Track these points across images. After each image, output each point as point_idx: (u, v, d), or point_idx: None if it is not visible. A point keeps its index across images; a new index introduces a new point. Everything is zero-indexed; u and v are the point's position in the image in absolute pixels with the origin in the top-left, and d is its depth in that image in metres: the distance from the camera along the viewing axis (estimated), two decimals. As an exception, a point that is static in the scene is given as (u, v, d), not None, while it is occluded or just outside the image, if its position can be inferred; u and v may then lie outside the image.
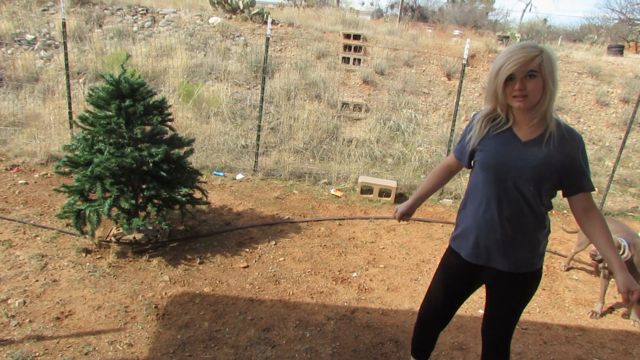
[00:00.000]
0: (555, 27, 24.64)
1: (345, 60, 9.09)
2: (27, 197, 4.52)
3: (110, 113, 3.49)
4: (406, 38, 10.38)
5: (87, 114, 3.52)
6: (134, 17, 9.08)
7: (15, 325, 2.70)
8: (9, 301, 2.90)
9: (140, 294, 3.18)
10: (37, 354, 2.50)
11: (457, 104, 5.90)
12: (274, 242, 4.18)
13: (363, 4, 26.46)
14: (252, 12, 9.70)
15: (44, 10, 8.78)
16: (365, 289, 3.60)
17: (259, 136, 6.11)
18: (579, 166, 1.74)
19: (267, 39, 5.73)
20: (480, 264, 1.91)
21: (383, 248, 4.35)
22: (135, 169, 3.46)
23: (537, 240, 1.85)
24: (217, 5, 9.99)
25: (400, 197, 5.76)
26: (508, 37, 13.64)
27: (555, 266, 4.40)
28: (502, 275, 1.89)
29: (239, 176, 5.85)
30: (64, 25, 5.50)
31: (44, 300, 2.97)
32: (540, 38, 18.07)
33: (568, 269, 4.35)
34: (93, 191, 3.45)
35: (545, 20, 25.59)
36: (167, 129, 3.83)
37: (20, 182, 4.90)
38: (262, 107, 6.05)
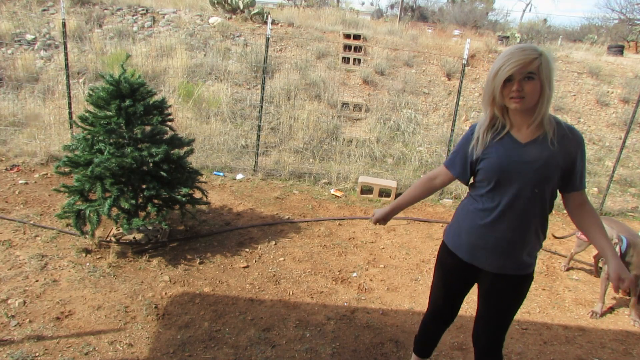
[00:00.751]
0: (555, 27, 24.64)
1: (345, 60, 9.09)
2: (27, 197, 4.52)
3: (110, 113, 3.49)
4: (406, 38, 10.38)
5: (87, 114, 3.52)
6: (134, 17, 9.08)
7: (15, 325, 2.70)
8: (9, 301, 2.90)
9: (140, 294, 3.18)
10: (37, 354, 2.50)
11: (457, 104, 5.90)
12: (274, 242, 4.18)
13: (363, 4, 26.46)
14: (252, 12, 9.70)
15: (44, 10, 8.78)
16: (365, 289, 3.60)
17: (259, 136, 6.12)
18: (579, 165, 1.75)
19: (267, 39, 5.73)
20: (478, 266, 1.91)
21: (383, 248, 4.35)
22: (135, 169, 3.46)
23: (536, 244, 1.85)
24: (217, 5, 9.99)
25: (400, 197, 5.75)
26: (508, 37, 13.64)
27: (555, 266, 4.40)
28: (500, 277, 1.89)
29: (239, 176, 5.85)
30: (64, 25, 5.50)
31: (44, 300, 2.97)
32: (540, 38, 18.07)
33: (568, 269, 4.35)
34: (93, 191, 3.45)
35: (545, 20, 25.59)
36: (167, 129, 3.83)
37: (20, 182, 4.90)
38: (262, 107, 6.05)
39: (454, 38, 12.20)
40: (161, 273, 3.47)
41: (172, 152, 3.67)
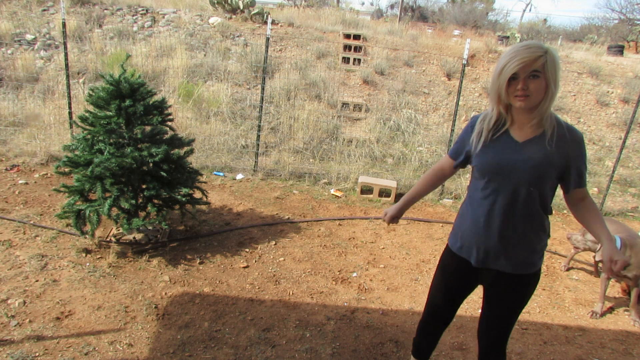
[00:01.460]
0: (555, 27, 24.65)
1: (345, 60, 9.09)
2: (27, 197, 4.52)
3: (110, 113, 3.49)
4: (406, 38, 10.38)
5: (87, 114, 3.52)
6: (134, 17, 9.08)
7: (15, 325, 2.70)
8: (9, 301, 2.90)
9: (140, 294, 3.18)
10: (37, 354, 2.50)
11: (457, 104, 5.90)
12: (274, 242, 4.18)
13: (363, 4, 26.48)
14: (252, 12, 9.70)
15: (44, 10, 8.78)
16: (365, 289, 3.60)
17: (259, 136, 6.12)
18: (577, 164, 1.75)
19: (267, 39, 5.73)
20: (479, 266, 1.91)
21: (383, 248, 4.35)
22: (135, 169, 3.46)
23: (537, 242, 1.85)
24: (217, 5, 9.99)
25: (400, 197, 5.75)
26: (508, 37, 13.64)
27: (555, 266, 4.40)
28: (502, 276, 1.89)
29: (239, 176, 5.85)
30: (64, 25, 5.50)
31: (44, 300, 2.97)
32: (540, 38, 18.07)
33: (568, 269, 4.35)
34: (93, 191, 3.45)
35: (545, 20, 25.60)
36: (167, 129, 3.83)
37: (20, 182, 4.90)
38: (262, 107, 6.05)
39: (454, 38, 12.19)
40: (161, 273, 3.47)
41: (172, 152, 3.67)
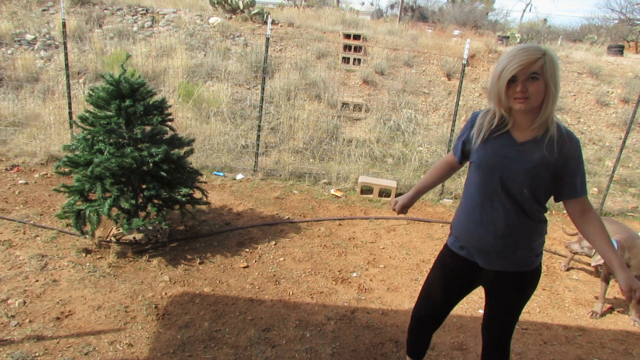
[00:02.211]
0: (555, 27, 24.64)
1: (345, 60, 9.09)
2: (27, 197, 4.52)
3: (110, 113, 3.49)
4: (406, 38, 10.38)
5: (87, 114, 3.52)
6: (134, 17, 9.08)
7: (15, 325, 2.70)
8: (9, 301, 2.90)
9: (140, 294, 3.18)
10: (37, 354, 2.50)
11: (457, 104, 5.90)
12: (274, 242, 4.18)
13: (363, 4, 26.47)
14: (252, 12, 9.70)
15: (44, 10, 8.78)
16: (365, 289, 3.60)
17: (259, 136, 6.12)
18: (575, 170, 1.74)
19: (267, 39, 5.73)
20: (479, 264, 1.91)
21: (383, 248, 4.35)
22: (135, 169, 3.46)
23: (532, 242, 1.84)
24: (217, 5, 9.99)
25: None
26: (508, 37, 13.64)
27: (555, 266, 4.41)
28: (501, 275, 1.89)
29: (239, 176, 5.85)
30: (64, 25, 5.50)
31: (44, 300, 2.97)
32: (540, 38, 18.07)
33: (568, 269, 4.35)
34: (93, 191, 3.45)
35: (545, 20, 25.59)
36: (167, 129, 3.83)
37: (20, 182, 4.90)
38: (262, 107, 6.05)
39: (454, 38, 12.19)
40: (161, 273, 3.47)
41: (172, 152, 3.67)
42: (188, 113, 7.03)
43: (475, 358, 2.88)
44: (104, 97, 3.47)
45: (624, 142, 6.12)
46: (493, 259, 1.86)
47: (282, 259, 3.92)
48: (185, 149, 3.91)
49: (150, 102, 3.66)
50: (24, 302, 2.91)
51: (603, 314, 3.62)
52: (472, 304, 3.48)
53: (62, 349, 2.57)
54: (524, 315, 3.47)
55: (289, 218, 4.78)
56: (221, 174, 5.86)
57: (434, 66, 9.30)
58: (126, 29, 8.67)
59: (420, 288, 2.21)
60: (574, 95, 9.23)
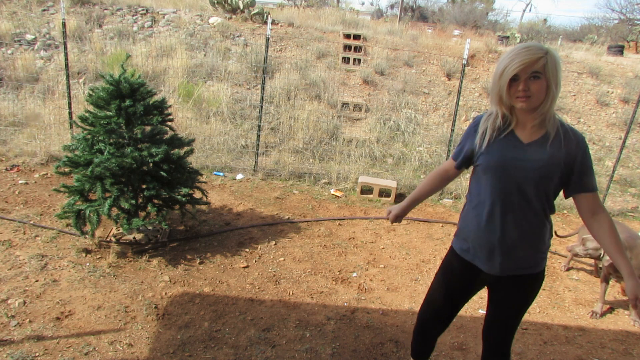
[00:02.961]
0: (555, 27, 24.65)
1: (345, 60, 9.09)
2: (27, 197, 4.52)
3: (110, 113, 3.49)
4: (406, 38, 10.38)
5: (87, 114, 3.52)
6: (134, 17, 9.08)
7: (15, 325, 2.70)
8: (9, 301, 2.90)
9: (140, 294, 3.18)
10: (37, 354, 2.50)
11: (457, 104, 5.90)
12: (274, 242, 4.18)
13: (363, 4, 26.48)
14: (252, 12, 9.70)
15: (44, 10, 8.78)
16: (365, 289, 3.60)
17: (259, 136, 6.12)
18: (582, 165, 1.75)
19: (267, 39, 5.73)
20: (484, 269, 1.91)
21: (383, 248, 4.35)
22: (135, 169, 3.46)
23: (540, 243, 1.84)
24: (217, 5, 9.99)
25: (400, 197, 5.76)
26: (508, 37, 13.64)
27: (555, 266, 4.40)
28: (506, 277, 1.88)
29: (239, 176, 5.85)
30: (64, 25, 5.50)
31: (44, 300, 2.97)
32: (540, 38, 18.07)
33: (568, 269, 4.35)
34: (93, 191, 3.45)
35: (545, 20, 25.60)
36: (167, 129, 3.83)
37: (20, 182, 4.90)
38: (262, 107, 6.05)
39: (454, 38, 12.19)
40: (161, 273, 3.47)
41: (172, 152, 3.67)
42: (188, 113, 7.03)
43: (475, 358, 2.88)
44: (104, 97, 3.47)
45: (624, 142, 6.12)
46: (499, 260, 1.84)
47: (282, 259, 3.92)
48: (185, 149, 3.91)
49: (150, 102, 3.66)
50: (24, 302, 2.91)
51: (603, 314, 3.62)
52: (472, 304, 3.48)
53: (62, 349, 2.57)
54: (524, 315, 3.47)
55: (289, 218, 4.78)
56: (221, 174, 5.86)
57: (434, 66, 9.30)
58: (126, 29, 8.67)
59: (422, 289, 2.21)
60: (574, 95, 9.23)
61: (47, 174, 5.20)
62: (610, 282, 3.67)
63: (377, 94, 8.44)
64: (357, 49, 9.33)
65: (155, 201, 3.71)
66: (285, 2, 18.08)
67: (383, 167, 6.69)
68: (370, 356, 2.80)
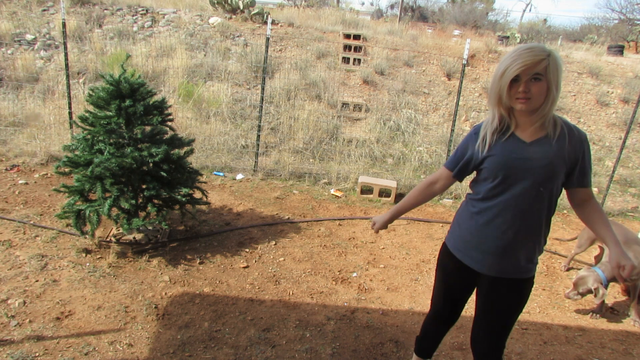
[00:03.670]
0: (555, 27, 24.65)
1: (345, 60, 9.09)
2: (27, 197, 4.52)
3: (110, 113, 3.49)
4: (406, 38, 10.38)
5: (87, 114, 3.52)
6: (134, 17, 9.08)
7: (15, 325, 2.70)
8: (9, 301, 2.90)
9: (140, 294, 3.18)
10: (37, 354, 2.50)
11: (457, 104, 5.90)
12: (274, 242, 4.18)
13: (363, 4, 26.48)
14: (252, 12, 9.70)
15: (44, 10, 8.78)
16: (365, 289, 3.60)
17: (259, 136, 6.12)
18: (582, 162, 1.75)
19: (267, 39, 5.73)
20: (476, 269, 1.90)
21: (383, 248, 4.35)
22: (135, 169, 3.46)
23: (535, 247, 1.83)
24: (217, 6, 9.99)
25: (400, 197, 5.76)
26: (508, 37, 13.64)
27: (555, 266, 4.40)
28: (498, 280, 1.87)
29: (239, 176, 5.85)
30: (64, 25, 5.50)
31: (44, 300, 2.97)
32: (540, 38, 18.07)
33: (568, 269, 4.35)
34: (93, 191, 3.45)
35: (545, 20, 25.60)
36: (167, 129, 3.83)
37: (20, 182, 4.90)
38: (262, 107, 6.05)
39: (454, 38, 12.19)
40: (161, 273, 3.47)
41: (172, 152, 3.67)
42: (188, 113, 7.03)
43: (475, 358, 2.88)
44: (104, 97, 3.47)
45: (624, 142, 6.12)
46: (493, 261, 1.84)
47: (282, 259, 3.92)
48: (185, 149, 3.91)
49: (150, 102, 3.66)
50: (24, 302, 2.91)
51: (603, 314, 3.62)
52: (472, 304, 3.48)
53: (62, 349, 2.57)
54: (524, 315, 3.47)
55: (289, 218, 4.78)
56: (221, 174, 5.86)
57: (434, 66, 9.30)
58: (126, 29, 8.67)
59: (422, 289, 2.22)
60: (574, 95, 9.23)
61: (47, 174, 5.20)
62: (610, 283, 3.65)
63: (377, 94, 8.44)
64: (357, 49, 9.33)
65: (155, 201, 3.71)
66: (285, 2, 18.08)
67: (383, 167, 6.69)
68: (370, 356, 2.80)
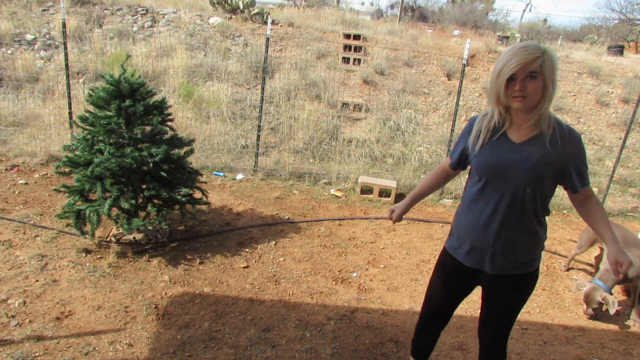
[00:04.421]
0: (555, 27, 24.65)
1: (345, 60, 9.09)
2: (27, 197, 4.52)
3: (110, 113, 3.49)
4: (406, 38, 10.38)
5: (87, 114, 3.52)
6: (134, 17, 9.08)
7: (15, 325, 2.70)
8: (9, 301, 2.90)
9: (140, 294, 3.18)
10: (37, 354, 2.50)
11: (457, 104, 5.90)
12: (274, 242, 4.18)
13: (363, 4, 26.48)
14: (252, 12, 9.70)
15: (44, 10, 8.78)
16: (365, 289, 3.60)
17: (259, 136, 6.12)
18: (579, 165, 1.75)
19: (267, 39, 5.73)
20: (476, 268, 1.91)
21: (383, 248, 4.35)
22: (135, 169, 3.46)
23: (534, 244, 1.85)
24: (217, 6, 9.99)
25: (400, 197, 5.76)
26: (508, 37, 13.64)
27: (555, 266, 4.40)
28: (499, 277, 1.89)
29: (239, 176, 5.85)
30: (64, 25, 5.50)
31: (44, 300, 2.97)
32: (540, 38, 18.07)
33: (568, 269, 4.35)
34: (93, 191, 3.45)
35: (545, 20, 25.61)
36: (167, 129, 3.83)
37: (20, 182, 4.90)
38: (262, 107, 6.05)
39: (454, 38, 12.19)
40: (161, 273, 3.47)
41: (172, 152, 3.67)
42: (188, 113, 7.03)
43: (475, 358, 2.88)
44: (104, 97, 3.47)
45: (624, 142, 6.12)
46: (492, 260, 1.85)
47: (282, 259, 3.92)
48: (185, 149, 3.91)
49: (150, 102, 3.66)
50: (24, 302, 2.91)
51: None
52: (472, 304, 3.48)
53: (62, 349, 2.57)
54: (524, 316, 3.47)
55: (289, 218, 4.78)
56: (221, 174, 5.86)
57: (434, 66, 9.30)
58: (126, 29, 8.67)
59: (422, 289, 2.22)
60: (574, 95, 9.23)
61: (47, 174, 5.20)
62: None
63: (377, 94, 8.44)
64: (357, 49, 9.33)
65: (155, 201, 3.71)
66: (285, 2, 18.08)
67: (383, 167, 6.69)
68: (370, 356, 2.81)
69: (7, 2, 8.67)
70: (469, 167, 1.96)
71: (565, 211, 5.96)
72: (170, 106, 3.91)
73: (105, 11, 9.01)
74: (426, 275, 3.89)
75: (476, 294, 2.11)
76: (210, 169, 5.95)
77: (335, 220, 4.87)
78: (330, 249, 4.20)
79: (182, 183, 3.72)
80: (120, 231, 3.84)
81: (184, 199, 3.65)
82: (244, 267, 3.71)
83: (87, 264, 3.46)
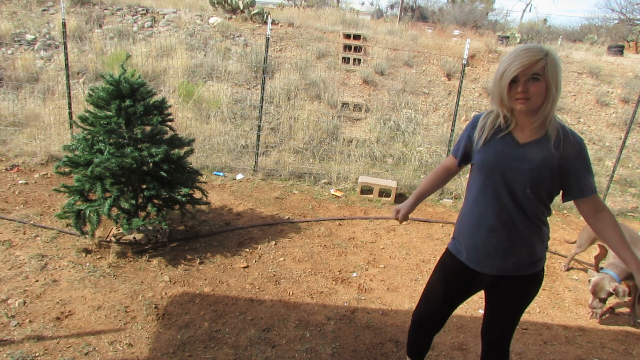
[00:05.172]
0: (555, 27, 24.65)
1: (345, 60, 9.09)
2: (27, 197, 4.52)
3: (110, 113, 3.49)
4: (406, 38, 10.38)
5: (87, 114, 3.52)
6: (134, 17, 9.08)
7: (15, 325, 2.70)
8: (9, 301, 2.90)
9: (140, 294, 3.18)
10: (37, 354, 2.50)
11: (457, 104, 5.90)
12: (274, 242, 4.18)
13: (363, 4, 26.48)
14: (252, 12, 9.70)
15: (44, 10, 8.78)
16: (365, 289, 3.60)
17: (259, 136, 6.12)
18: (580, 169, 1.73)
19: (267, 39, 5.73)
20: (478, 270, 1.91)
21: (383, 248, 4.35)
22: (135, 169, 3.46)
23: (535, 245, 1.83)
24: (217, 6, 9.99)
25: (400, 197, 5.76)
26: (508, 37, 13.64)
27: (555, 266, 4.40)
28: (501, 278, 1.88)
29: (239, 176, 5.85)
30: (64, 25, 5.50)
31: (44, 300, 2.97)
32: (540, 38, 18.07)
33: (568, 269, 4.35)
34: (93, 191, 3.45)
35: (545, 20, 25.61)
36: (167, 129, 3.83)
37: (20, 182, 4.90)
38: (262, 107, 6.05)
39: (454, 38, 12.19)
40: (161, 273, 3.47)
41: (172, 152, 3.67)
42: (188, 113, 7.03)
43: (475, 358, 2.88)
44: (104, 97, 3.47)
45: (624, 142, 6.12)
46: (493, 261, 1.85)
47: (282, 259, 3.92)
48: (185, 149, 3.91)
49: (150, 102, 3.66)
50: (24, 302, 2.91)
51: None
52: (472, 304, 3.48)
53: (62, 349, 2.57)
54: (523, 316, 3.45)
55: (289, 218, 4.78)
56: (221, 174, 5.86)
57: (434, 66, 9.30)
58: (126, 29, 8.67)
59: (422, 289, 2.21)
60: (574, 95, 9.23)
61: (47, 174, 5.20)
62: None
63: (377, 94, 8.44)
64: (357, 49, 9.33)
65: (155, 201, 3.71)
66: (285, 2, 18.08)
67: (383, 167, 6.69)
68: (370, 356, 2.81)
69: (7, 2, 8.67)
70: (469, 167, 1.96)
71: (565, 211, 5.96)
72: (170, 106, 3.91)
73: (105, 11, 9.01)
74: (426, 275, 3.88)
75: (476, 294, 2.11)
76: (210, 169, 5.96)
77: (335, 220, 4.87)
78: (330, 249, 4.20)
79: (182, 183, 3.72)
80: (120, 231, 3.84)
81: (184, 199, 3.65)
82: (244, 267, 3.71)
83: (87, 264, 3.46)
